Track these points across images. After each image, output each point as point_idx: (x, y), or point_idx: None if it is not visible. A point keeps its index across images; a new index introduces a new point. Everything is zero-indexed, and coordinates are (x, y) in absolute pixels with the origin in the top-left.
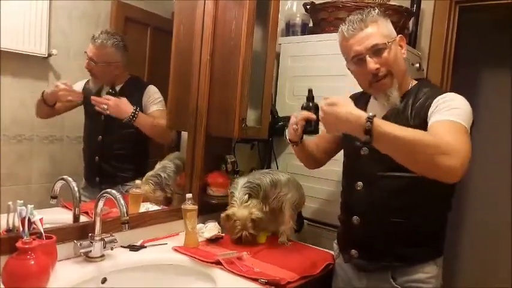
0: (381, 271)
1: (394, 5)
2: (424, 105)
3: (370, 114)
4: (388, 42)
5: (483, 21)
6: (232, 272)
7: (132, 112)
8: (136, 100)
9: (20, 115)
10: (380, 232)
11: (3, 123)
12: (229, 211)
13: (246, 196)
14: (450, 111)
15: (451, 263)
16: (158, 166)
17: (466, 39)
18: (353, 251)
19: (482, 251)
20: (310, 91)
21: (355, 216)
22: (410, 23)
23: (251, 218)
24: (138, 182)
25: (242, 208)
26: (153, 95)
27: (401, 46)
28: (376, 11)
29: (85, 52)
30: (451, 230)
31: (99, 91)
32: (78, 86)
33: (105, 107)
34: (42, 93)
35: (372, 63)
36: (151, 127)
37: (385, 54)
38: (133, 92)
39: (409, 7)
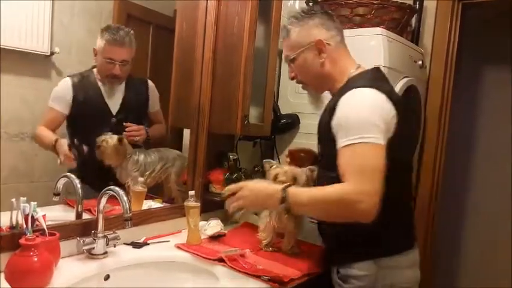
0: (332, 264)
1: (397, 1)
2: (334, 104)
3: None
4: (296, 53)
5: (486, 19)
6: (234, 269)
7: (145, 130)
8: (143, 96)
9: (23, 113)
10: (321, 229)
11: (5, 120)
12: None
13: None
14: (349, 130)
15: (452, 262)
16: None
17: (469, 36)
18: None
19: (483, 251)
20: None
21: None
22: (413, 20)
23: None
24: (140, 179)
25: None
26: (155, 91)
27: (319, 50)
28: (290, 19)
29: (108, 59)
30: (452, 229)
31: (100, 93)
32: (66, 84)
33: (137, 138)
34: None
35: (288, 72)
36: (160, 134)
37: (293, 64)
38: (137, 87)
39: (412, 4)
